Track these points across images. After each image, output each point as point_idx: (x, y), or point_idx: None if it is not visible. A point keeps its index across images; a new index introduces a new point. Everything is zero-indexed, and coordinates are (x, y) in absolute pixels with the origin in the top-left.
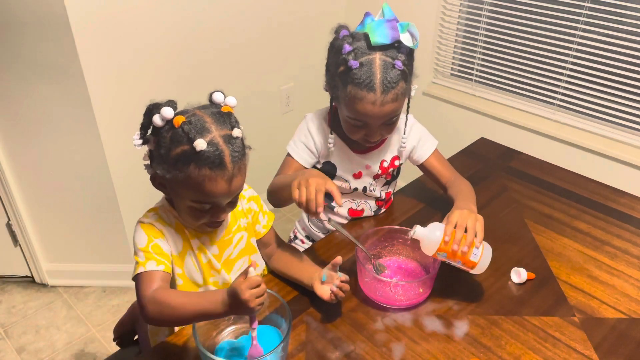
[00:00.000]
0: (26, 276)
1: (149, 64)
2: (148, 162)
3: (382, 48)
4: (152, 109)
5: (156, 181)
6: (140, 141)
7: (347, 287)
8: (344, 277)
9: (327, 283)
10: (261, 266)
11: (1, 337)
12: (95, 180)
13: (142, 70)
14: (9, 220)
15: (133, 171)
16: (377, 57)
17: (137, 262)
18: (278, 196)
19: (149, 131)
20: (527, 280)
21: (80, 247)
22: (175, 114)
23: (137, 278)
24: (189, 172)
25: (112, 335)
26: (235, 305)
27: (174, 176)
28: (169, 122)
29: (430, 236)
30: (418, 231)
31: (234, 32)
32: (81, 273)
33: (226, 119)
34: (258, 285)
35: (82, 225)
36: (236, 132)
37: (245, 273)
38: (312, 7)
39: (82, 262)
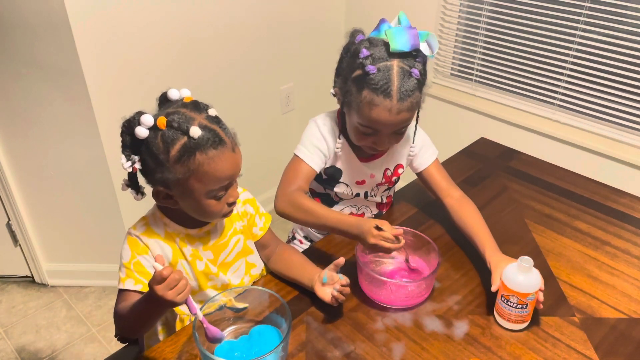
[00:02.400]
0: (26, 276)
1: (149, 63)
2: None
3: (401, 55)
4: (129, 125)
5: (160, 196)
6: (129, 163)
7: (347, 290)
8: (345, 280)
9: (328, 285)
10: (259, 267)
11: (1, 337)
12: (95, 180)
13: (142, 70)
14: (9, 220)
15: None
16: (395, 64)
17: (119, 277)
18: (314, 227)
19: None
20: None
21: (80, 247)
22: (155, 118)
23: (118, 292)
24: (196, 162)
25: (112, 335)
26: (161, 303)
27: (182, 175)
28: (152, 129)
29: (539, 275)
30: (532, 264)
31: (234, 32)
32: (81, 273)
33: (197, 106)
34: (164, 279)
35: (82, 225)
36: (212, 112)
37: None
38: (312, 7)
39: (82, 262)
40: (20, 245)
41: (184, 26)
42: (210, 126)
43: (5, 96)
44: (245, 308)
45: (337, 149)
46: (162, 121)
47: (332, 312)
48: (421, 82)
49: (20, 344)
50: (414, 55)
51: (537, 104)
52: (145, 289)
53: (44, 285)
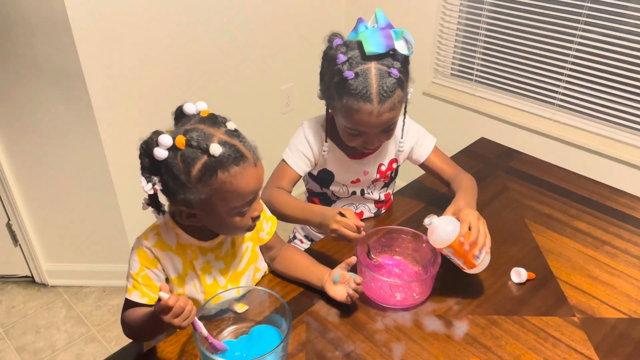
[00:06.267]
0: (26, 276)
1: (149, 64)
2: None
3: (377, 57)
4: (147, 146)
5: (183, 215)
6: (150, 185)
7: (361, 288)
8: (359, 278)
9: (339, 284)
10: (263, 270)
11: (1, 337)
12: (95, 180)
13: (142, 70)
14: (9, 220)
15: (133, 171)
16: (373, 67)
17: (126, 286)
18: (285, 219)
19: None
20: (527, 280)
21: (80, 247)
22: (173, 137)
23: (125, 300)
24: (218, 180)
25: (112, 335)
26: (168, 327)
27: (205, 194)
28: (171, 149)
29: (446, 229)
30: (435, 221)
31: (234, 32)
32: (81, 273)
33: (214, 120)
34: (170, 309)
35: (82, 225)
36: (231, 125)
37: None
38: (312, 7)
39: (82, 262)
40: (20, 245)
41: (184, 26)
42: (230, 141)
43: (5, 96)
44: (245, 311)
45: (324, 152)
46: (180, 140)
47: (332, 312)
48: (402, 80)
49: (20, 344)
50: (391, 54)
51: (537, 104)
52: (152, 302)
53: (44, 285)
